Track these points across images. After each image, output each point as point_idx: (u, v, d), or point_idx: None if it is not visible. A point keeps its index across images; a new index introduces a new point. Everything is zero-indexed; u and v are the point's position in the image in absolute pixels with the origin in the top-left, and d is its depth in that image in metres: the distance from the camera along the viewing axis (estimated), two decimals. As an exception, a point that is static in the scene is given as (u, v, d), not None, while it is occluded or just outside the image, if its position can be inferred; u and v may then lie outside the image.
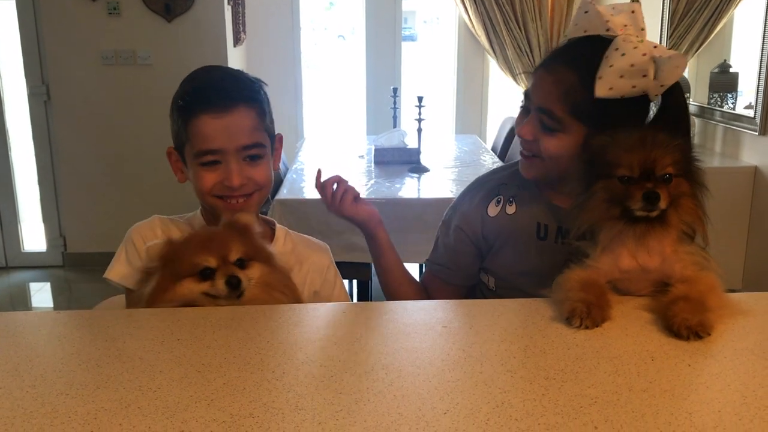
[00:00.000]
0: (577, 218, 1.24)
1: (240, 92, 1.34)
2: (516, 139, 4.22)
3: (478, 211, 1.48)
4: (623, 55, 1.23)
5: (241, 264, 1.24)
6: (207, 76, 1.38)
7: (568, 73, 1.30)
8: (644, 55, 1.22)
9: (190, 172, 1.37)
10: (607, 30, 1.27)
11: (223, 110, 1.30)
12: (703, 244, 1.21)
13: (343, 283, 1.56)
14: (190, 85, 1.37)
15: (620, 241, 1.18)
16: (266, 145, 1.38)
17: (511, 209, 1.46)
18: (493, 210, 1.47)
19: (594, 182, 1.20)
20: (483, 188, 1.52)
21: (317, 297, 1.46)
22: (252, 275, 1.24)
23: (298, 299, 1.31)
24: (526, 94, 1.39)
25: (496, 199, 1.48)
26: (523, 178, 1.45)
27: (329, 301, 1.48)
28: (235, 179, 1.33)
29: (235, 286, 1.20)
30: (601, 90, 1.25)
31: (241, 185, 1.34)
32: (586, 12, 1.30)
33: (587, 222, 1.22)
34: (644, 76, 1.23)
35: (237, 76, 1.38)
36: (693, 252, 1.19)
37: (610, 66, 1.24)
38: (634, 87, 1.24)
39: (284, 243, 1.47)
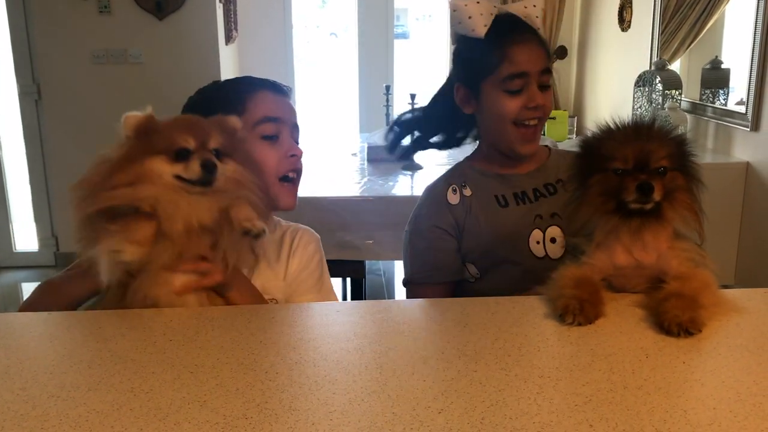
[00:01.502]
0: (573, 214, 1.24)
1: (281, 84, 1.48)
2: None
3: (443, 205, 1.55)
4: (534, 6, 1.52)
5: (217, 155, 1.19)
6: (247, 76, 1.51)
7: (530, 34, 1.50)
8: None
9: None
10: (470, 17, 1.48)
11: (281, 93, 1.45)
12: (699, 240, 1.21)
13: (327, 277, 1.52)
14: (235, 79, 1.49)
15: (615, 236, 1.18)
16: None
17: (467, 191, 1.55)
18: (453, 198, 1.55)
19: (589, 177, 1.21)
20: (434, 190, 1.60)
21: (299, 286, 1.44)
22: (225, 170, 1.20)
23: (263, 205, 1.26)
24: (521, 73, 1.47)
25: (450, 188, 1.56)
26: (462, 167, 1.62)
27: (311, 292, 1.45)
28: (297, 149, 1.43)
29: (210, 170, 1.16)
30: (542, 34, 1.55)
31: (300, 157, 1.44)
32: (454, 11, 1.50)
33: (583, 217, 1.22)
34: (543, 9, 1.55)
35: None
36: (689, 248, 1.19)
37: (536, 17, 1.51)
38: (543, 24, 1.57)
39: (273, 230, 1.47)
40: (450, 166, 1.66)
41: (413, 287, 1.59)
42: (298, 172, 1.45)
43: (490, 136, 1.57)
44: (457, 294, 1.56)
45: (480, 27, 1.47)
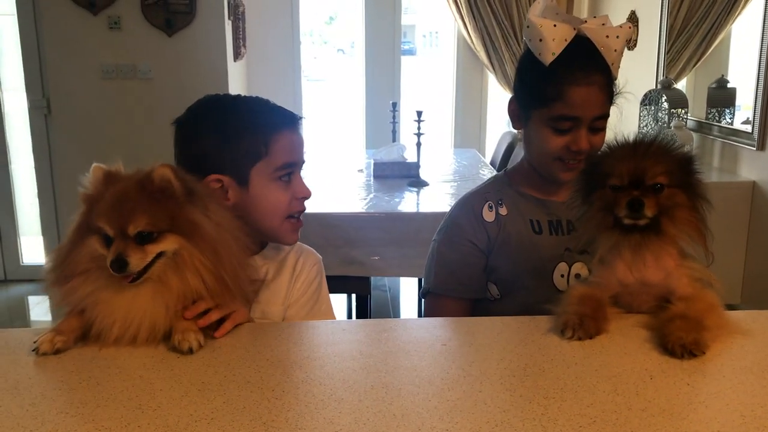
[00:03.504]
0: (578, 230, 1.26)
1: (298, 116, 1.44)
2: (516, 154, 4.23)
3: (478, 221, 1.52)
4: (617, 37, 1.40)
5: (148, 237, 1.09)
6: (259, 100, 1.43)
7: (598, 76, 1.42)
8: (621, 26, 1.43)
9: (259, 192, 1.36)
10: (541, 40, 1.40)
11: (298, 128, 1.43)
12: (707, 260, 1.21)
13: (325, 299, 1.52)
14: (254, 108, 1.41)
15: (617, 252, 1.19)
16: None
17: (503, 210, 1.53)
18: (488, 215, 1.53)
19: (592, 193, 1.22)
20: (470, 203, 1.56)
21: (297, 312, 1.45)
22: (163, 249, 1.10)
23: (223, 288, 1.14)
24: (572, 117, 1.41)
25: (487, 205, 1.54)
26: (501, 183, 1.58)
27: (306, 318, 1.45)
28: (307, 190, 1.44)
29: (117, 270, 1.07)
30: (617, 71, 1.44)
31: (309, 198, 1.45)
32: (528, 27, 1.43)
33: (587, 233, 1.24)
34: (628, 40, 1.43)
35: None
36: (696, 268, 1.19)
37: (615, 50, 1.41)
38: (621, 55, 1.45)
39: (277, 254, 1.48)
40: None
41: (434, 298, 1.57)
42: (303, 211, 1.45)
43: (532, 159, 1.54)
44: (477, 312, 1.55)
45: (547, 54, 1.39)
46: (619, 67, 1.44)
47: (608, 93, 1.44)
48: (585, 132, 1.42)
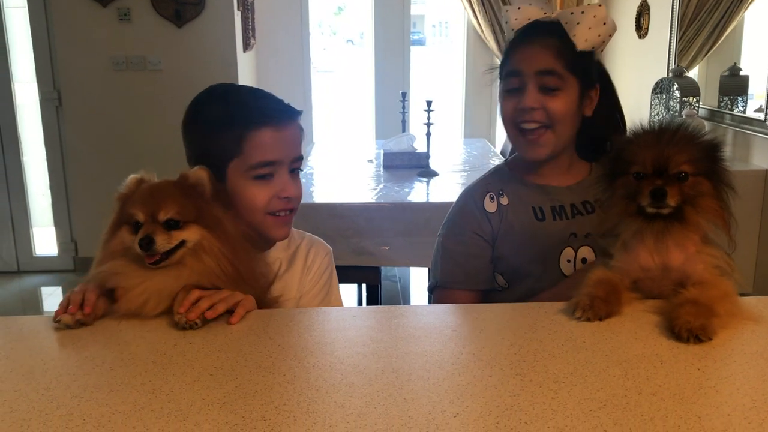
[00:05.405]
0: (602, 215, 1.28)
1: (293, 110, 1.40)
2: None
3: (480, 212, 1.52)
4: (582, 12, 1.41)
5: (175, 225, 1.19)
6: (253, 93, 1.41)
7: (550, 39, 1.42)
8: (600, 5, 1.43)
9: (234, 190, 1.35)
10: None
11: (283, 124, 1.36)
12: (730, 248, 1.20)
13: (335, 289, 1.53)
14: (237, 101, 1.38)
15: (640, 238, 1.19)
16: None
17: (504, 201, 1.52)
18: (490, 206, 1.52)
19: (616, 179, 1.22)
20: (472, 195, 1.56)
21: (309, 302, 1.46)
22: (186, 237, 1.19)
23: (237, 276, 1.22)
24: (514, 72, 1.45)
25: (488, 196, 1.53)
26: (502, 173, 1.57)
27: (321, 306, 1.47)
28: (292, 189, 1.38)
29: (145, 248, 1.15)
30: (581, 43, 1.41)
31: (295, 197, 1.39)
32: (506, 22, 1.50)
33: (611, 219, 1.24)
34: (604, 24, 1.41)
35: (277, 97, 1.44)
36: (716, 255, 1.18)
37: (577, 23, 1.40)
38: (599, 36, 1.42)
39: (287, 246, 1.48)
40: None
41: (442, 291, 1.56)
42: (292, 209, 1.41)
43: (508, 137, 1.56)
44: (485, 302, 1.54)
45: (509, 33, 1.49)
46: (587, 40, 1.41)
47: (559, 53, 1.41)
48: (533, 89, 1.42)
